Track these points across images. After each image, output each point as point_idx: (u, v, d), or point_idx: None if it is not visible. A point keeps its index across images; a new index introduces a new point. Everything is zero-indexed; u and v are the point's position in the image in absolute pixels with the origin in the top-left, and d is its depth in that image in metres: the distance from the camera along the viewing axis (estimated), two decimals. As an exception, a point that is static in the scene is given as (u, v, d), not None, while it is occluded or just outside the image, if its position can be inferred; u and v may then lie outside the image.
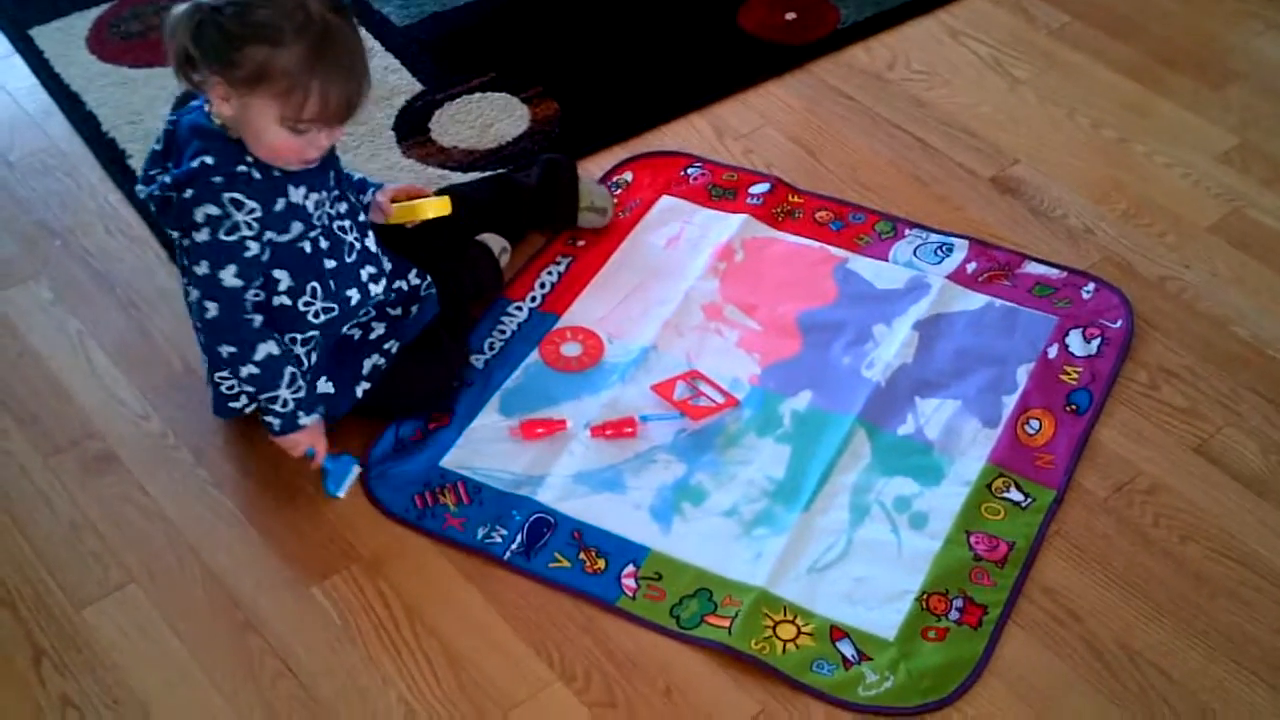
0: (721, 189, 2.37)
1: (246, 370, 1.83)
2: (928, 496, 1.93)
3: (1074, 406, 2.03)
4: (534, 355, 2.10)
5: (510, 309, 2.17)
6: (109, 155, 2.44)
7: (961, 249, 2.26)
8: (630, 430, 2.00)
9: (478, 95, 2.56)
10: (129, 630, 1.79)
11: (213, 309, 1.81)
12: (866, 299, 2.19)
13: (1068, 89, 2.58)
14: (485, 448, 1.98)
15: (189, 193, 1.76)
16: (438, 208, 2.04)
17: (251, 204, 1.77)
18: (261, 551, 1.87)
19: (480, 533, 1.88)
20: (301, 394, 1.87)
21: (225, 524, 1.91)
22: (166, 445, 2.00)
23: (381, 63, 2.62)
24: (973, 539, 1.88)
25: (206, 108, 1.79)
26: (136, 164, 2.41)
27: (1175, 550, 1.87)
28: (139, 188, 1.87)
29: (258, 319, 1.83)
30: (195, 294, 1.82)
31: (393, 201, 2.06)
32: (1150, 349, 2.11)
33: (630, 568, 1.85)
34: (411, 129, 2.49)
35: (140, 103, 2.54)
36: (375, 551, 1.87)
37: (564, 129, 2.48)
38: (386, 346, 1.98)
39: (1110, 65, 2.63)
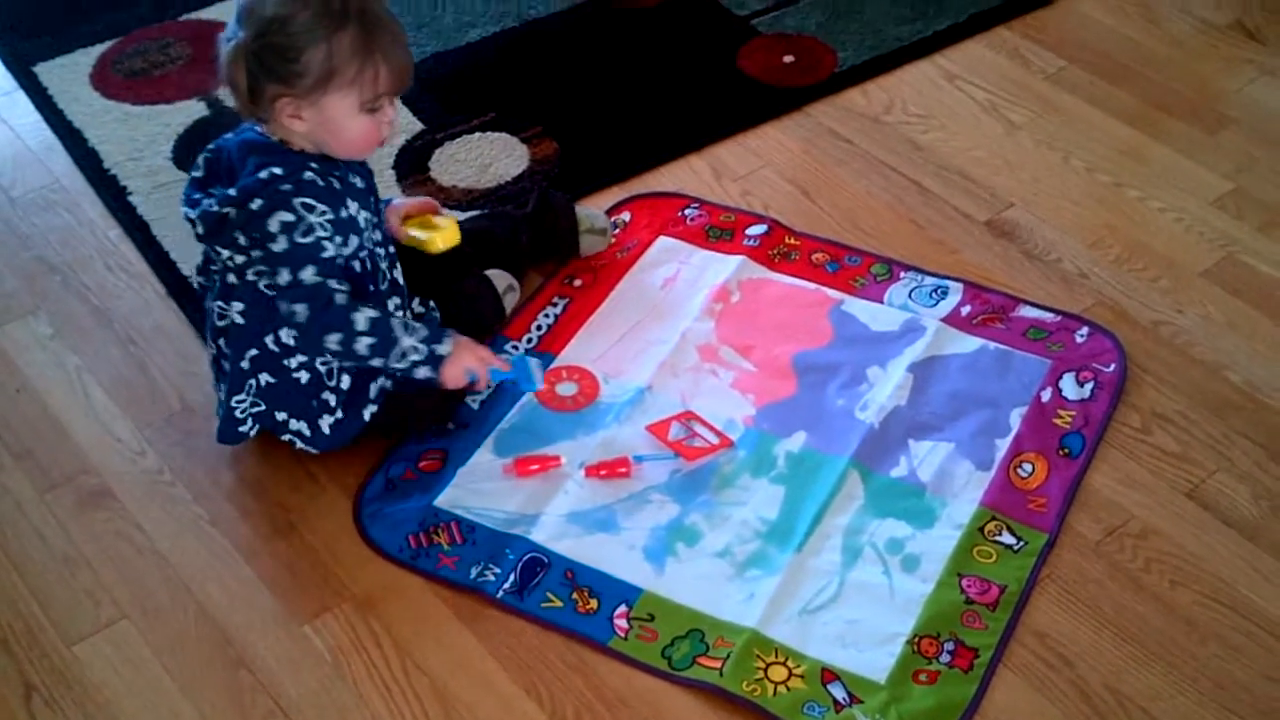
0: (719, 230, 2.38)
1: (364, 343, 1.86)
2: (920, 539, 1.93)
3: (1066, 450, 2.03)
4: (529, 395, 2.11)
5: (507, 348, 2.18)
6: (110, 191, 2.46)
7: (956, 292, 2.27)
8: (625, 470, 2.00)
9: (477, 135, 2.58)
10: (120, 666, 1.80)
11: (302, 310, 1.84)
12: (861, 341, 2.20)
13: (1063, 134, 2.60)
14: (479, 487, 1.99)
15: (257, 203, 1.80)
16: (447, 238, 2.06)
17: (323, 206, 1.82)
18: (254, 589, 1.88)
19: (474, 572, 1.89)
20: (424, 331, 1.90)
21: (219, 561, 1.91)
22: (162, 482, 2.01)
23: (382, 102, 2.64)
24: (964, 582, 1.88)
25: (266, 129, 1.84)
26: (138, 200, 2.43)
27: (1166, 595, 1.87)
28: (184, 210, 1.89)
29: (340, 297, 1.85)
30: (283, 307, 1.84)
31: (405, 219, 2.08)
32: (1143, 393, 2.12)
33: (623, 608, 1.86)
34: (411, 167, 2.51)
35: (142, 140, 2.55)
36: (367, 590, 1.87)
37: (563, 169, 2.49)
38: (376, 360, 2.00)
39: (1105, 110, 2.64)
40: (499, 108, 2.64)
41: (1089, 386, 2.11)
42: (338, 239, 1.85)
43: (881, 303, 2.26)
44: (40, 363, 2.17)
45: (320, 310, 1.84)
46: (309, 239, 1.82)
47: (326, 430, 1.96)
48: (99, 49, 2.76)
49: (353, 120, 1.82)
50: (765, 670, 1.79)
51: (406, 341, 1.89)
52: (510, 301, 2.22)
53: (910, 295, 2.27)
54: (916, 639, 1.82)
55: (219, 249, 1.86)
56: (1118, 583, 1.88)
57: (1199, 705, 1.75)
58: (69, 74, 2.71)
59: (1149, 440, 2.06)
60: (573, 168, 2.48)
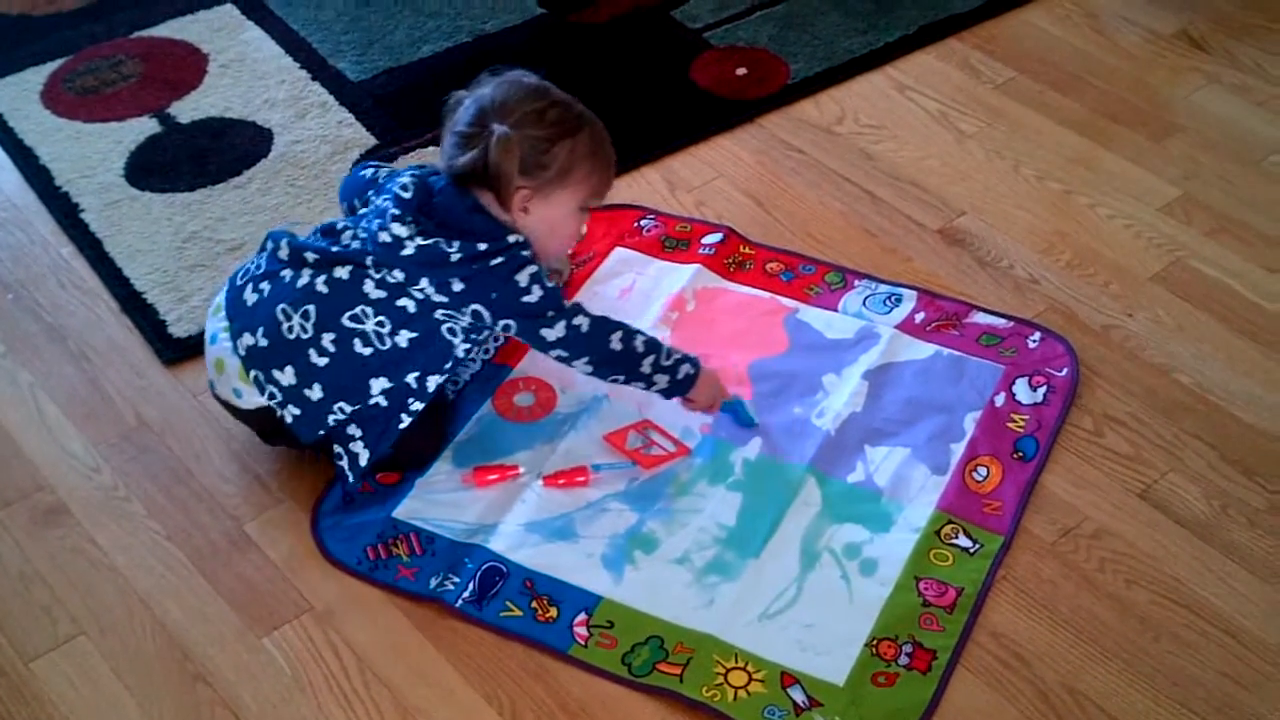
0: (674, 240, 2.39)
1: (640, 340, 1.99)
2: (877, 543, 1.94)
3: (1020, 453, 2.05)
4: (487, 406, 2.11)
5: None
6: (62, 209, 2.45)
7: (910, 299, 2.28)
8: (583, 479, 2.01)
9: (431, 149, 2.58)
10: (78, 682, 1.78)
11: (584, 321, 1.96)
12: (817, 349, 2.21)
13: (1013, 142, 2.62)
14: (438, 498, 1.99)
15: (497, 261, 1.90)
16: None
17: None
18: (212, 603, 1.87)
19: (433, 582, 1.89)
20: (678, 352, 2.03)
21: (176, 575, 1.90)
22: (117, 497, 2.00)
23: (335, 117, 2.64)
24: (922, 585, 1.89)
25: (498, 204, 1.94)
26: (90, 217, 2.42)
27: (1121, 594, 1.89)
28: (397, 228, 1.91)
29: (600, 317, 1.98)
30: (557, 332, 1.95)
31: None
32: (1095, 396, 2.14)
33: (582, 616, 1.86)
34: (365, 182, 2.50)
35: (94, 157, 2.55)
36: (326, 602, 1.87)
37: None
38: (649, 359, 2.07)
39: (1055, 119, 2.67)
40: (453, 122, 2.64)
41: (1042, 391, 2.13)
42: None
43: (836, 311, 2.27)
44: (-7, 380, 2.16)
45: (595, 318, 1.96)
46: (553, 284, 1.94)
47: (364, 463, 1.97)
48: (49, 67, 2.75)
49: (571, 218, 1.99)
50: (725, 675, 1.79)
51: (669, 357, 2.01)
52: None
53: (864, 303, 2.28)
54: (875, 642, 1.83)
55: (424, 278, 1.90)
56: (1073, 583, 1.90)
57: (1155, 703, 1.77)
58: (19, 92, 2.70)
59: (1101, 442, 2.08)
60: (527, 180, 2.49)
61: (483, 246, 1.90)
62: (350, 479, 1.95)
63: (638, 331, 1.99)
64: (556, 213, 1.97)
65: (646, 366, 1.99)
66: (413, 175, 1.97)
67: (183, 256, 2.34)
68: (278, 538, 1.94)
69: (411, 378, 1.94)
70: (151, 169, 2.53)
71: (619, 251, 2.37)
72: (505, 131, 1.89)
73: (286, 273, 1.94)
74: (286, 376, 1.91)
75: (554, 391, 2.14)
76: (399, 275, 1.90)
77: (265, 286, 1.94)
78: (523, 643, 1.83)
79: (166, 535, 1.95)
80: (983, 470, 2.03)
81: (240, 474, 2.01)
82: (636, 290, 2.31)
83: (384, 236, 1.91)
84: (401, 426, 1.95)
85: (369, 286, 1.91)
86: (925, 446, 2.06)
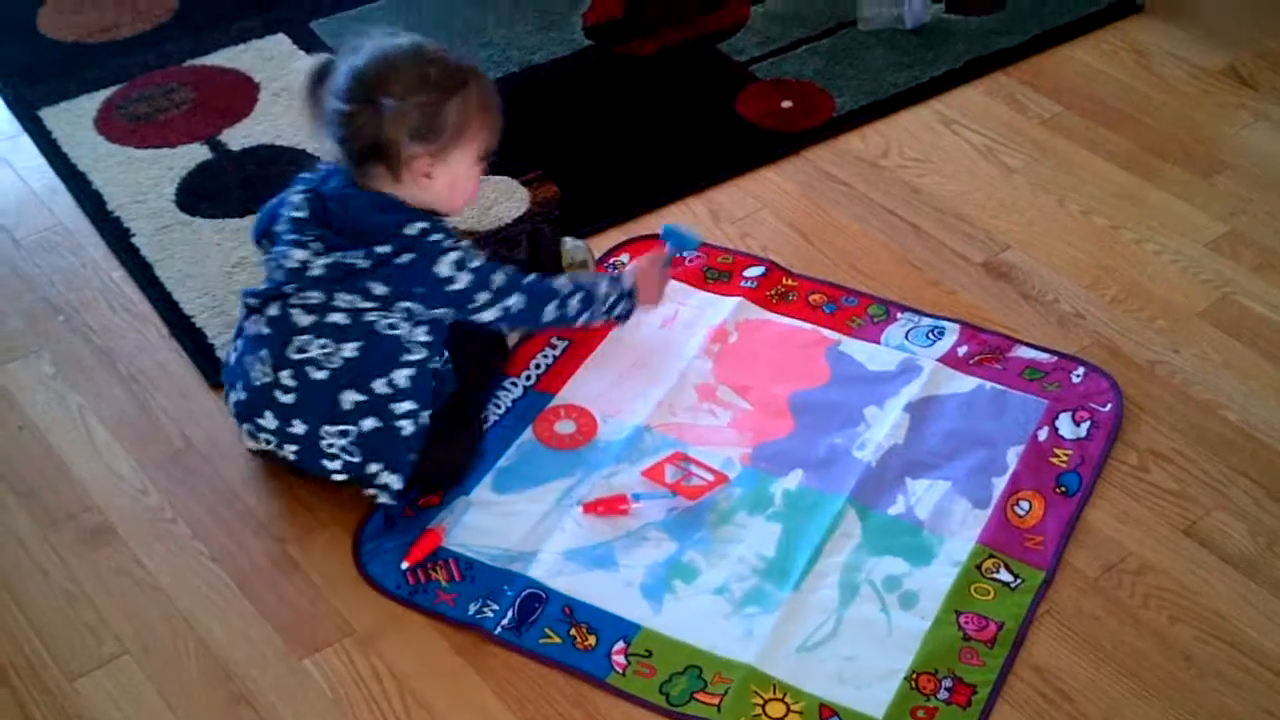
0: (717, 271, 2.40)
1: (574, 303, 2.04)
2: (917, 576, 1.94)
3: (1063, 488, 2.04)
4: (528, 433, 2.12)
5: (506, 384, 2.19)
6: (114, 233, 2.48)
7: (953, 333, 2.28)
8: (623, 508, 2.01)
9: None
10: (121, 702, 1.80)
11: (517, 301, 1.98)
12: (858, 381, 2.21)
13: (1059, 177, 2.62)
14: (478, 524, 2.00)
15: (407, 258, 1.89)
16: None
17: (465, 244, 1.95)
18: (255, 624, 1.88)
19: (472, 609, 1.89)
20: (599, 277, 2.10)
21: (220, 596, 1.92)
22: (164, 519, 2.02)
23: (384, 146, 2.67)
24: (962, 619, 1.89)
25: (373, 187, 1.91)
26: (140, 242, 2.45)
27: (1164, 631, 1.88)
28: (295, 253, 1.92)
29: (531, 277, 2.02)
30: (354, 346, 1.91)
31: None
32: (1140, 432, 2.13)
33: (620, 644, 1.86)
34: (412, 210, 2.52)
35: (146, 182, 2.58)
36: (368, 625, 1.88)
37: (563, 211, 2.52)
38: (584, 314, 2.12)
39: (1101, 154, 2.67)
40: (500, 151, 2.63)
41: (1085, 426, 2.12)
42: None
43: (878, 343, 2.27)
44: (43, 401, 2.18)
45: (528, 292, 1.99)
46: (478, 262, 1.94)
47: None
48: (103, 94, 2.79)
49: (471, 173, 1.97)
50: (763, 707, 1.79)
51: (601, 288, 2.08)
52: (512, 341, 2.23)
53: (907, 336, 2.28)
54: (914, 675, 1.82)
55: (335, 291, 1.90)
56: (1116, 618, 1.89)
57: (1196, 740, 1.76)
58: (73, 118, 2.74)
59: (1146, 478, 2.07)
60: (573, 210, 2.51)
61: (386, 249, 1.88)
62: (393, 505, 1.96)
63: (572, 293, 2.04)
64: (458, 170, 1.95)
65: (582, 320, 2.07)
66: (304, 191, 1.96)
67: (231, 282, 2.36)
68: (321, 560, 1.96)
69: (380, 383, 1.92)
70: (202, 195, 2.56)
71: (662, 281, 2.38)
72: (393, 105, 1.86)
73: (248, 324, 1.99)
74: (268, 420, 1.95)
75: (595, 419, 2.14)
76: (318, 296, 1.91)
77: (239, 342, 2.01)
78: (561, 670, 1.83)
79: (211, 557, 1.97)
80: (1025, 504, 2.02)
81: (284, 496, 2.03)
82: (679, 320, 2.31)
83: (290, 264, 1.92)
84: (407, 434, 1.94)
85: (297, 315, 1.92)
86: (967, 480, 2.06)
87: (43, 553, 1.97)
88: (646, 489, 2.04)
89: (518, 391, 2.19)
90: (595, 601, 1.90)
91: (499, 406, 2.16)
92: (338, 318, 1.91)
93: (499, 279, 1.96)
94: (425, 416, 1.96)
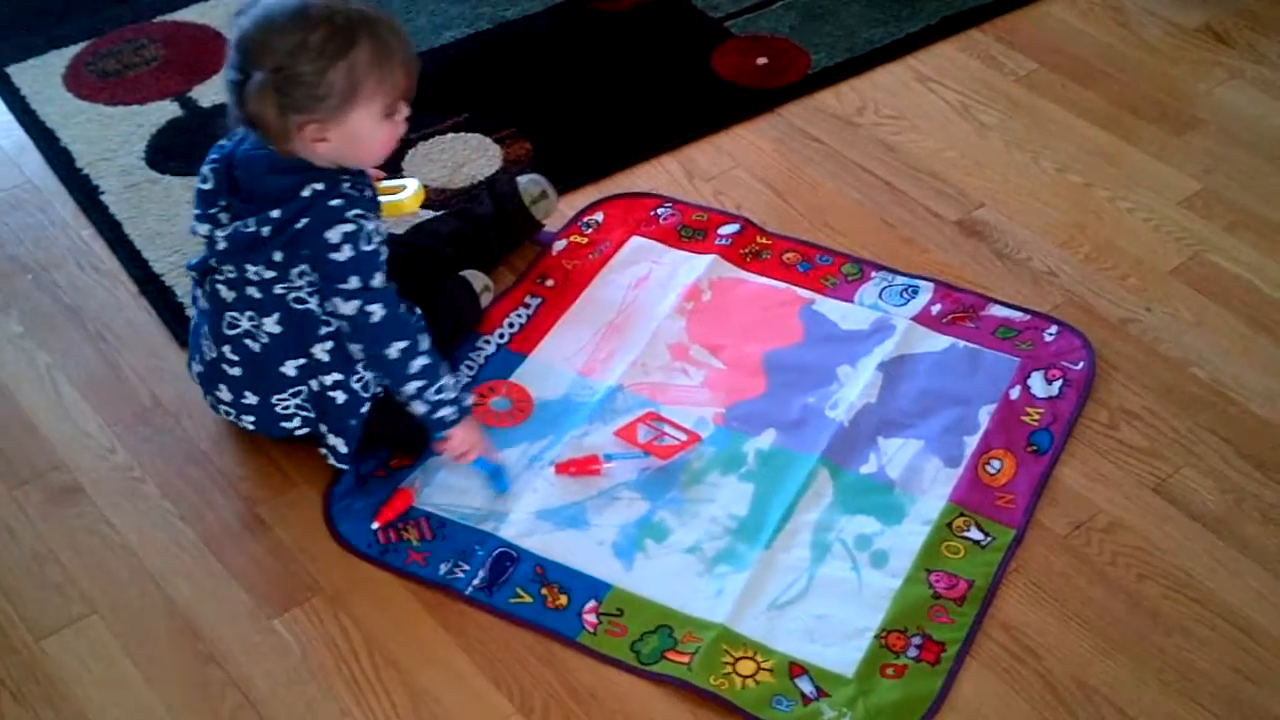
0: (691, 230, 2.39)
1: (418, 363, 1.89)
2: (889, 535, 1.94)
3: (1035, 447, 2.04)
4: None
5: (479, 342, 2.18)
6: (82, 191, 2.46)
7: (926, 291, 2.28)
8: (595, 468, 2.01)
9: (450, 135, 2.58)
10: (90, 661, 1.80)
11: (377, 310, 1.85)
12: (832, 340, 2.21)
13: (1033, 135, 2.61)
14: (450, 484, 1.99)
15: (303, 222, 1.80)
16: (416, 199, 2.06)
17: (371, 214, 1.85)
18: (224, 583, 1.88)
19: (443, 568, 1.89)
20: (458, 379, 1.94)
21: (189, 556, 1.91)
22: (132, 478, 2.01)
23: (356, 103, 2.65)
24: (932, 577, 1.89)
25: (280, 149, 1.82)
26: (110, 200, 2.43)
27: (1132, 588, 1.88)
28: (201, 227, 1.88)
29: (413, 314, 1.91)
30: (273, 319, 1.86)
31: None
32: (1111, 390, 2.14)
33: (592, 603, 1.86)
34: (384, 167, 2.48)
35: (115, 140, 2.56)
36: (337, 585, 1.88)
37: (536, 169, 2.49)
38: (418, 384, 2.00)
39: (1076, 112, 2.66)
40: (472, 108, 2.65)
41: (1057, 384, 2.13)
42: (382, 249, 1.87)
43: (852, 302, 2.27)
44: (11, 360, 2.17)
45: (395, 316, 1.86)
46: (371, 246, 1.83)
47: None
48: (72, 50, 2.76)
49: (377, 129, 1.83)
50: (733, 664, 1.79)
51: (447, 379, 1.92)
52: (485, 301, 2.23)
53: (880, 294, 2.28)
54: (884, 633, 1.83)
55: (246, 266, 1.86)
56: (1085, 576, 1.89)
57: (1164, 696, 1.76)
58: (42, 75, 2.71)
59: (1116, 436, 2.07)
60: (546, 168, 2.48)
61: (277, 214, 1.81)
62: (345, 468, 1.96)
63: (425, 354, 1.89)
64: (358, 129, 1.80)
65: (411, 389, 1.90)
66: (213, 159, 1.89)
67: (201, 240, 2.34)
68: (290, 520, 1.95)
69: (319, 349, 1.90)
70: (172, 152, 2.54)
71: (635, 240, 2.37)
72: (258, 82, 1.74)
73: (197, 296, 1.97)
74: (224, 393, 1.96)
75: (529, 395, 2.12)
76: (233, 269, 1.88)
77: (194, 313, 2.00)
78: (532, 629, 1.83)
79: (180, 516, 1.96)
80: (996, 463, 2.02)
81: (254, 456, 2.02)
82: (652, 280, 2.30)
83: (200, 239, 1.88)
84: (340, 403, 1.92)
85: (223, 290, 1.90)
86: (939, 439, 2.06)
87: (10, 512, 1.96)
88: (619, 449, 2.04)
89: (490, 349, 2.18)
90: (567, 561, 1.90)
91: (471, 366, 2.15)
92: (252, 291, 1.88)
93: (378, 281, 1.85)
94: (356, 382, 1.93)
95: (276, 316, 1.88)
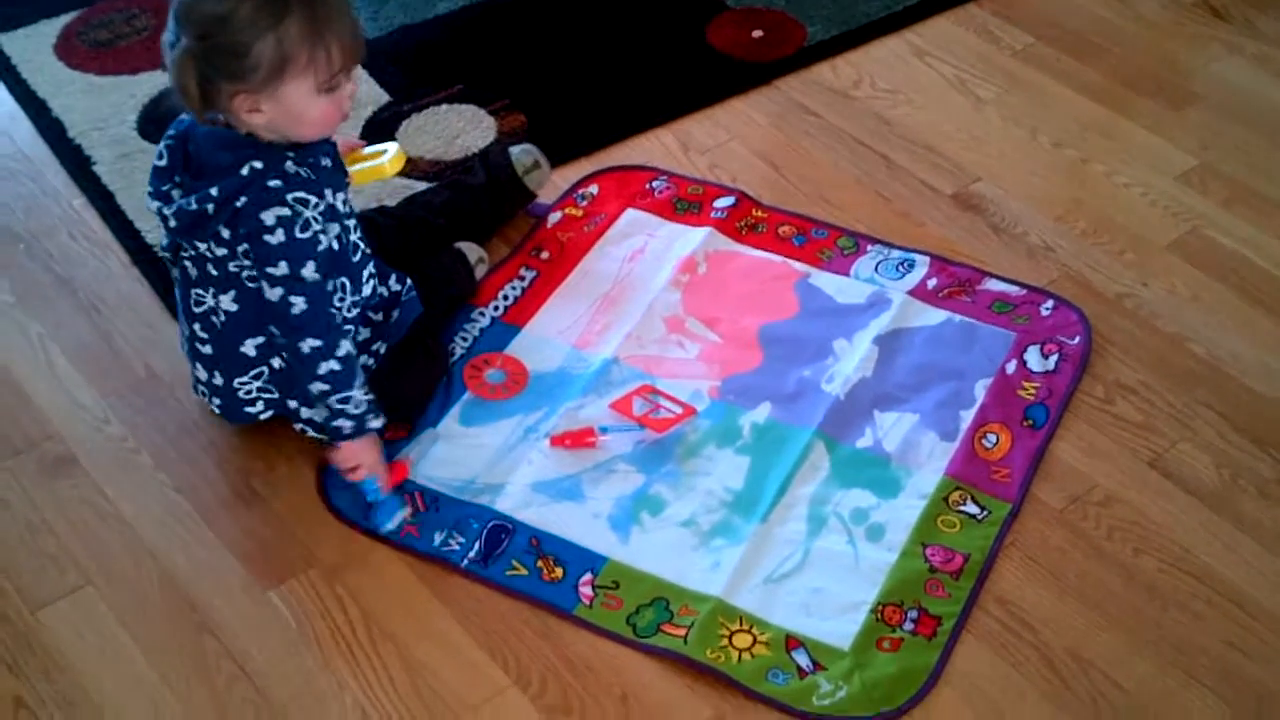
0: (686, 203, 2.38)
1: (327, 366, 1.83)
2: (885, 509, 1.94)
3: (1030, 421, 2.04)
4: (461, 384, 2.09)
5: (474, 315, 2.18)
6: (74, 161, 2.44)
7: (922, 265, 2.27)
8: (591, 440, 2.00)
9: (445, 107, 2.57)
10: (84, 632, 1.79)
11: (299, 303, 1.80)
12: (828, 313, 2.21)
13: (1030, 109, 2.61)
14: (445, 457, 1.99)
15: (242, 200, 1.77)
16: (395, 163, 2.03)
17: (313, 198, 1.80)
18: (219, 555, 1.87)
19: (437, 539, 1.89)
20: (371, 397, 1.88)
21: (183, 527, 1.91)
22: (126, 449, 2.00)
23: (349, 73, 2.63)
24: (929, 551, 1.89)
25: (226, 120, 1.79)
26: (102, 170, 2.42)
27: (1128, 562, 1.88)
28: (153, 205, 1.86)
29: (338, 315, 1.85)
30: (229, 297, 1.84)
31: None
32: (1107, 365, 2.13)
33: (588, 576, 1.86)
34: (378, 138, 2.48)
35: (106, 109, 2.54)
36: (333, 557, 1.87)
37: (530, 141, 2.48)
38: (374, 348, 2.00)
39: (1072, 86, 2.65)
40: (466, 80, 2.63)
41: (1053, 359, 2.12)
42: (327, 228, 1.83)
43: (848, 275, 2.26)
44: (3, 330, 2.16)
45: (318, 312, 1.82)
46: (306, 234, 1.79)
47: None
48: (63, 19, 2.74)
49: (313, 104, 1.77)
50: (729, 638, 1.79)
51: (356, 392, 1.86)
52: (480, 273, 2.22)
53: (876, 268, 2.27)
54: (880, 607, 1.83)
55: (195, 243, 1.84)
56: (1080, 550, 1.90)
57: (1160, 670, 1.77)
58: (33, 44, 2.69)
59: (1112, 410, 2.07)
60: (540, 140, 2.47)
61: (215, 191, 1.77)
62: (325, 440, 1.93)
63: (339, 360, 1.83)
64: (292, 102, 1.76)
65: (315, 389, 1.84)
66: (170, 136, 1.87)
67: (194, 210, 2.33)
68: (285, 491, 1.95)
69: (271, 328, 1.87)
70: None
71: (630, 213, 2.36)
72: (181, 49, 1.71)
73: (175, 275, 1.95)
74: (200, 372, 1.95)
75: (524, 367, 2.12)
76: (190, 247, 1.86)
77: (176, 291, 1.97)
78: (528, 602, 1.83)
79: (174, 487, 1.95)
80: (992, 437, 2.02)
81: (249, 427, 2.01)
82: (648, 252, 2.30)
83: (159, 217, 1.86)
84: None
85: (189, 267, 1.88)
86: (935, 413, 2.06)
87: (3, 482, 1.95)
88: (614, 421, 2.03)
89: (485, 322, 2.17)
90: (562, 533, 1.90)
91: (466, 338, 2.14)
92: (209, 268, 1.86)
93: (308, 271, 1.79)
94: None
95: (232, 294, 1.86)
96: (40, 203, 2.37)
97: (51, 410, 2.05)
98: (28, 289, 2.22)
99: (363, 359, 1.97)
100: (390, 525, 1.90)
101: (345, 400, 1.86)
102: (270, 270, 1.80)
